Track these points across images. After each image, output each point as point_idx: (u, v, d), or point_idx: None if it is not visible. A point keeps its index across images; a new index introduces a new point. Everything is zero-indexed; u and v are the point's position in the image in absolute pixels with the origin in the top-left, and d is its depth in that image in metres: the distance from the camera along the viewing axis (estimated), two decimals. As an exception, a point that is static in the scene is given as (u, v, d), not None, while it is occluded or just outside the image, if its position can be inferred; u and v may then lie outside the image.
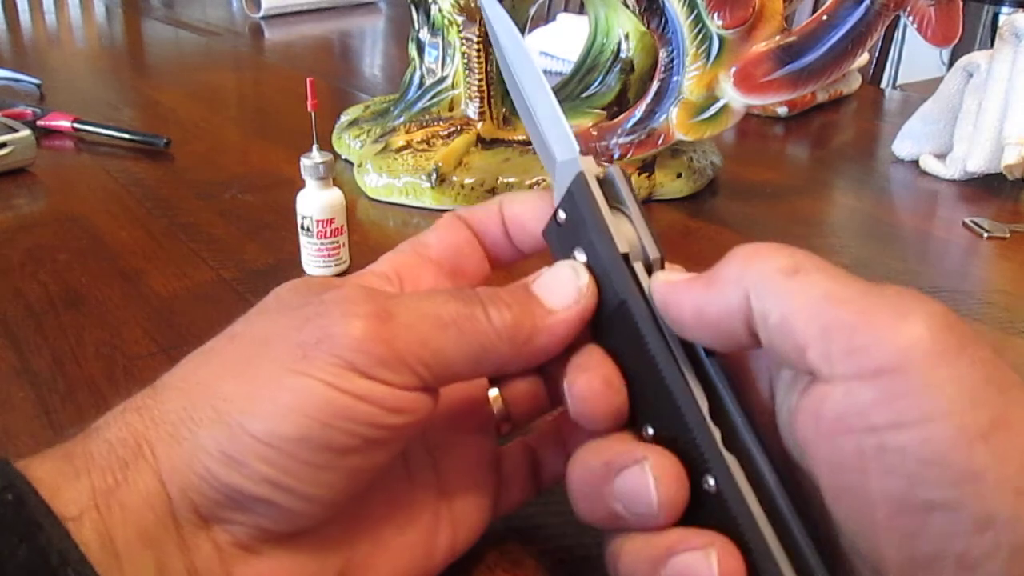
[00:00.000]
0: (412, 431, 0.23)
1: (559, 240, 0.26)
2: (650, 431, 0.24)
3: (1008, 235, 0.55)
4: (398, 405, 0.22)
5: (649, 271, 0.25)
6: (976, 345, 0.19)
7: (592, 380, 0.24)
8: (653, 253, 0.25)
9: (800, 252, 0.22)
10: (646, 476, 0.23)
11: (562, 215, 0.26)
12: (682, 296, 0.23)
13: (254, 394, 0.22)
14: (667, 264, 0.26)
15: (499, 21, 0.29)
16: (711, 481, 0.23)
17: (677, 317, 0.23)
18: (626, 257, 0.25)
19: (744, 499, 0.22)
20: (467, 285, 0.28)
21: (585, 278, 0.25)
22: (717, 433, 0.23)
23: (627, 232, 0.25)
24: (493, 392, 0.28)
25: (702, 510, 0.23)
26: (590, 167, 0.26)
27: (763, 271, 0.21)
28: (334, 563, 0.24)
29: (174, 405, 0.22)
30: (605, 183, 0.26)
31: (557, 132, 0.27)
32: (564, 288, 0.25)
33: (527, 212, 0.28)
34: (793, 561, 0.21)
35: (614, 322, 0.25)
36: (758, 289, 0.21)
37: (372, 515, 0.25)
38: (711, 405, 0.23)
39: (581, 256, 0.25)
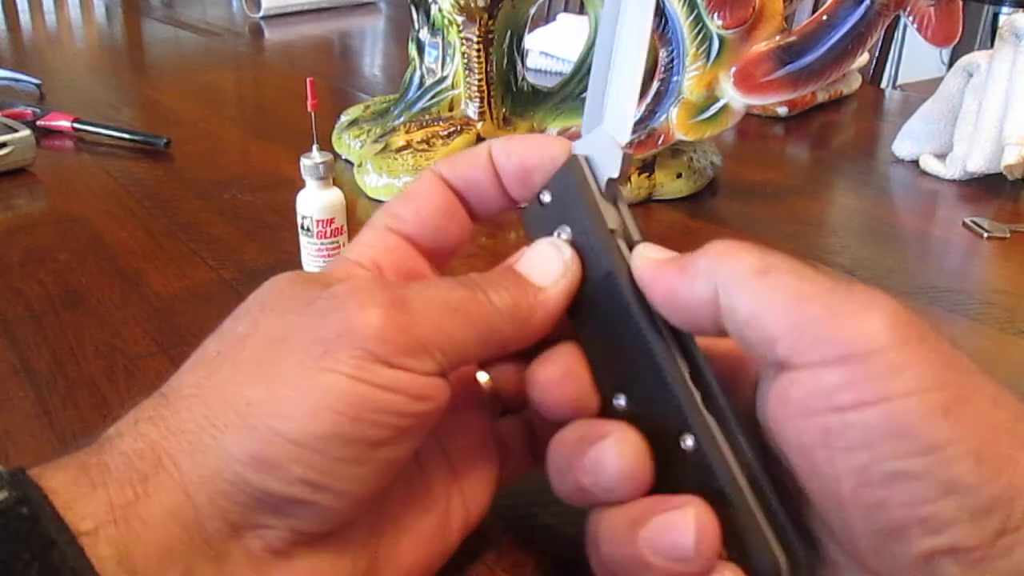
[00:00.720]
0: (435, 417, 0.23)
1: (540, 220, 0.27)
2: (622, 401, 0.25)
3: (1008, 235, 0.55)
4: (422, 392, 0.22)
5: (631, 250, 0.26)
6: (935, 335, 0.20)
7: (552, 371, 0.25)
8: (636, 236, 0.26)
9: (771, 253, 0.22)
10: (610, 450, 0.24)
11: (547, 196, 0.27)
12: (656, 274, 0.24)
13: (280, 396, 0.21)
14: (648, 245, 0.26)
15: None
16: (689, 441, 0.24)
17: (650, 294, 0.24)
18: (613, 233, 0.26)
19: (724, 455, 0.23)
20: (448, 251, 0.28)
21: (568, 252, 0.26)
22: (697, 395, 0.24)
23: (613, 214, 0.26)
24: (483, 376, 0.28)
25: (677, 473, 0.24)
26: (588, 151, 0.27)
27: (734, 269, 0.22)
28: (363, 558, 0.24)
29: (192, 413, 0.22)
30: (595, 169, 0.26)
31: (623, 110, 0.27)
32: (549, 264, 0.26)
33: (535, 157, 0.27)
34: (768, 518, 0.23)
35: (599, 294, 0.26)
36: (728, 286, 0.22)
37: (393, 506, 0.25)
38: (690, 371, 0.24)
39: (564, 233, 0.26)
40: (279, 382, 0.21)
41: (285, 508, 0.22)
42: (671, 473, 0.24)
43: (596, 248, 0.26)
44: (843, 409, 0.20)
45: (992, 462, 0.19)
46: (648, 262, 0.24)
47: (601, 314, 0.26)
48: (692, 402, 0.24)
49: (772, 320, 0.21)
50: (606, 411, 0.26)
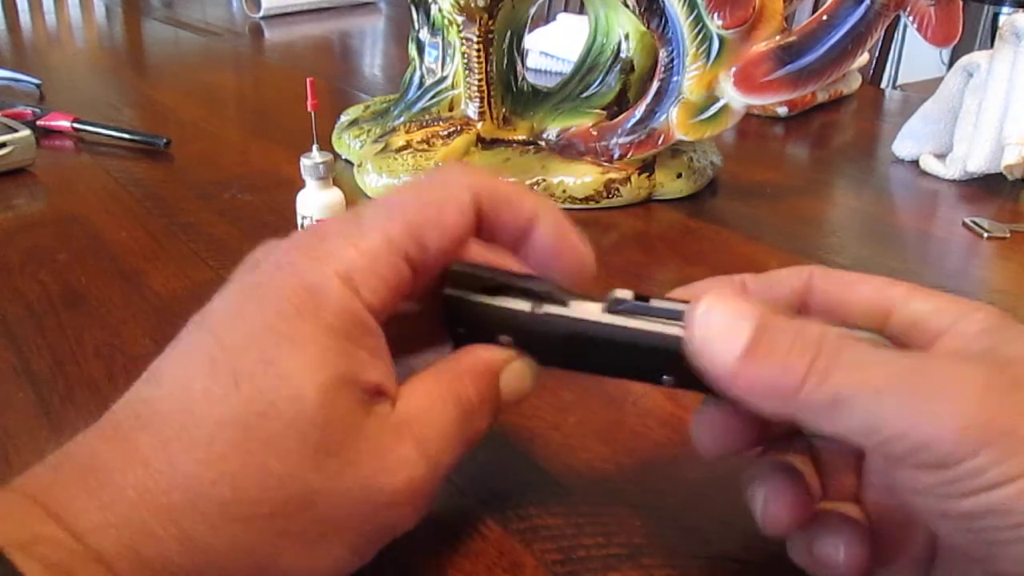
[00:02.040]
0: None
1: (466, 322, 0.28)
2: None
3: (1008, 235, 0.55)
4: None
5: (549, 297, 0.26)
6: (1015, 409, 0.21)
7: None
8: (542, 287, 0.26)
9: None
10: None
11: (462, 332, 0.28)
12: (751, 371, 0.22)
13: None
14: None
15: None
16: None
17: (731, 386, 0.22)
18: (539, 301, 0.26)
19: None
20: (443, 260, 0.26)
21: (529, 374, 0.27)
22: None
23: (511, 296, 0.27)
24: None
25: None
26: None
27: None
28: None
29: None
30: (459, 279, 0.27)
31: None
32: (519, 384, 0.27)
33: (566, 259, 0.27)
34: None
35: (571, 342, 0.26)
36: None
37: None
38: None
39: (505, 339, 0.27)
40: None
41: None
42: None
43: (537, 332, 0.26)
44: (947, 497, 0.21)
45: None
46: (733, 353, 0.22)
47: (579, 350, 0.26)
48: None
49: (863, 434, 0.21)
50: None
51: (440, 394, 0.25)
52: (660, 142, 0.57)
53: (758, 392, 0.22)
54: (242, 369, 0.22)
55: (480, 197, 0.25)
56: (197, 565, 0.21)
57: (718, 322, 0.22)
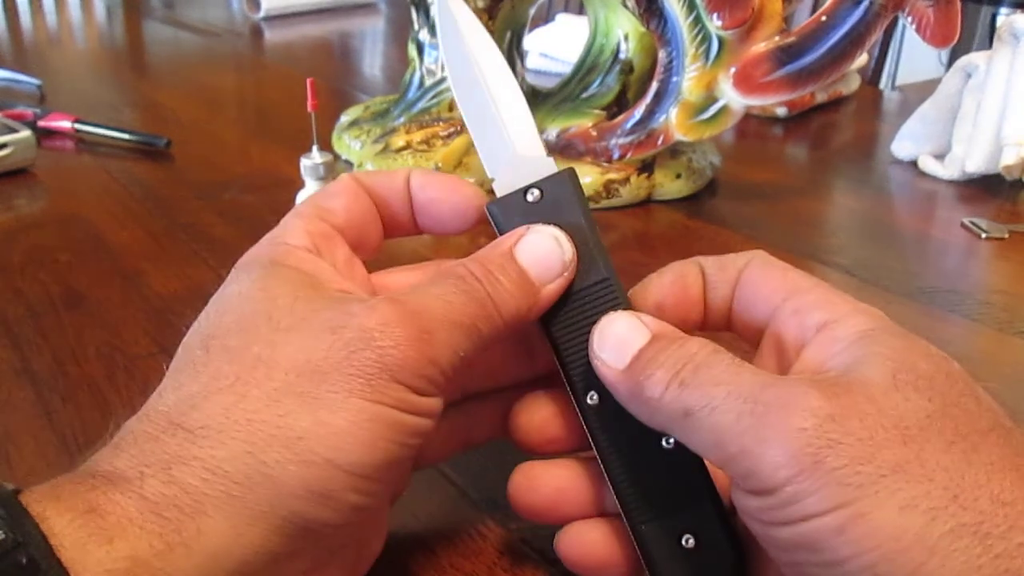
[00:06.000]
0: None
1: (517, 214, 0.27)
2: (595, 400, 0.26)
3: (1006, 236, 0.55)
4: (440, 409, 0.24)
5: None
6: (852, 434, 0.20)
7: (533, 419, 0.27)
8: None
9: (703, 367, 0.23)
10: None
11: (534, 194, 0.27)
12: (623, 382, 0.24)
13: (334, 429, 0.21)
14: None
15: (462, 14, 0.29)
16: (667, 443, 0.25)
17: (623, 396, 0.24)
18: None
19: None
20: (366, 253, 0.28)
21: (570, 251, 0.26)
22: None
23: None
24: None
25: (653, 467, 0.25)
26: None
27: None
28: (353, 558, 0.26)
29: (234, 450, 0.21)
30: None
31: (522, 128, 0.28)
32: (551, 259, 0.26)
33: (448, 197, 0.28)
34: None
35: (583, 298, 0.26)
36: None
37: None
38: None
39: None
40: (329, 415, 0.21)
41: (330, 534, 0.22)
42: (646, 471, 0.25)
43: (590, 255, 0.26)
44: (768, 524, 0.21)
45: (894, 574, 0.19)
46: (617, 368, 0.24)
47: (584, 319, 0.26)
48: None
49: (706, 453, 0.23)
50: (581, 410, 0.26)
51: (424, 274, 0.27)
52: (659, 142, 0.57)
53: (633, 401, 0.23)
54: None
55: (357, 178, 0.28)
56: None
57: (613, 336, 0.24)
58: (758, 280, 0.26)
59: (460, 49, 0.29)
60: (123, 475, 0.20)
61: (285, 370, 0.22)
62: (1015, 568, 0.18)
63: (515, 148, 0.28)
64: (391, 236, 0.29)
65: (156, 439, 0.21)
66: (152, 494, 0.20)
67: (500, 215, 0.27)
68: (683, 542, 0.25)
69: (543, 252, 0.26)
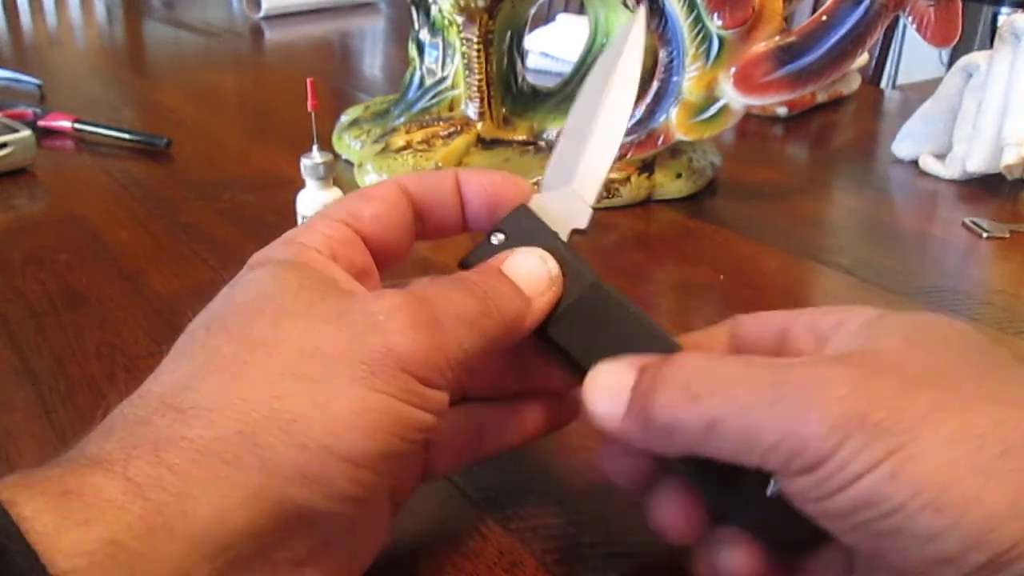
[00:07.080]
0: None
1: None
2: None
3: (1007, 235, 0.55)
4: (444, 405, 0.23)
5: None
6: (888, 390, 0.21)
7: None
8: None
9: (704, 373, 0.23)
10: None
11: (498, 238, 0.27)
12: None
13: (332, 415, 0.21)
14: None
15: (634, 45, 0.31)
16: None
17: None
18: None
19: None
20: (389, 261, 0.28)
21: (555, 266, 0.27)
22: None
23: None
24: None
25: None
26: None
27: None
28: (349, 555, 0.25)
29: (225, 430, 0.20)
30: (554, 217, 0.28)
31: (595, 174, 0.29)
32: (536, 275, 0.26)
33: (507, 193, 0.28)
34: None
35: (580, 307, 0.27)
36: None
37: None
38: None
39: None
40: (327, 401, 0.21)
41: (322, 523, 0.22)
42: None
43: (575, 268, 0.27)
44: (824, 498, 0.21)
45: (951, 508, 0.19)
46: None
47: (580, 326, 0.26)
48: None
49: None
50: None
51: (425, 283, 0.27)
52: (660, 142, 0.57)
53: (648, 437, 0.23)
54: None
55: (404, 184, 0.28)
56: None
57: (600, 388, 0.24)
58: (754, 325, 0.27)
59: (609, 70, 0.31)
60: (109, 457, 0.20)
61: (286, 352, 0.22)
62: None
63: (574, 185, 0.29)
64: (433, 238, 0.29)
65: (147, 421, 0.21)
66: (136, 475, 0.19)
67: (471, 262, 0.28)
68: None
69: (529, 268, 0.26)
